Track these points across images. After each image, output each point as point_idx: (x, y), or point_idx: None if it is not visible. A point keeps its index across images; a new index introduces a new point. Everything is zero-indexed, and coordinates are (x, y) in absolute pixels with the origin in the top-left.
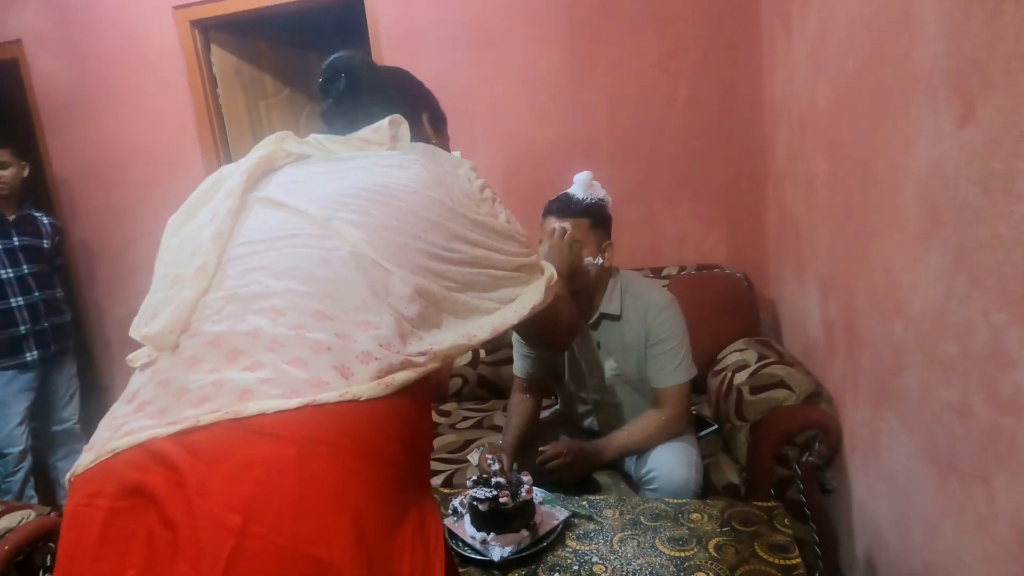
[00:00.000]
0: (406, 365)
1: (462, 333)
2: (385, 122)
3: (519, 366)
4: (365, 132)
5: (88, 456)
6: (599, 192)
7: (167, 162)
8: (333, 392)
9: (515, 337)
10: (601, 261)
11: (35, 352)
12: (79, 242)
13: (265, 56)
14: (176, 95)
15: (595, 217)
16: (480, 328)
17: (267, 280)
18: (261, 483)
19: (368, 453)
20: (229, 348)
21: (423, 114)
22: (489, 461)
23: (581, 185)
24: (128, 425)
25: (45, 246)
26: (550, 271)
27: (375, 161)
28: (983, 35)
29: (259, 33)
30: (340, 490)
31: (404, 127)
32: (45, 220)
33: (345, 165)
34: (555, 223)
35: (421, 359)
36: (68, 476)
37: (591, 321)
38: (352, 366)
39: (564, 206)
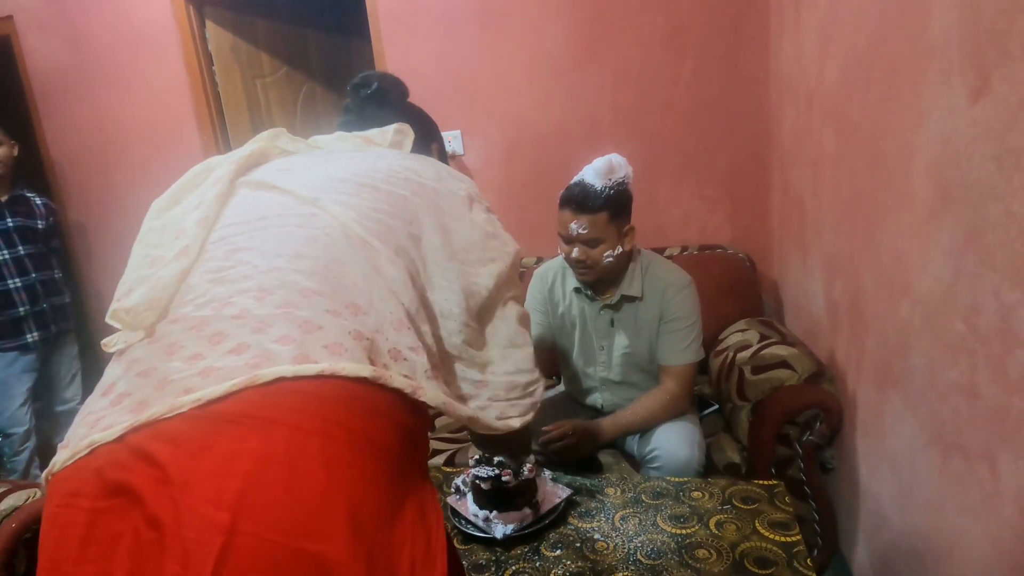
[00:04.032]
0: (396, 356)
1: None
2: (391, 127)
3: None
4: (370, 132)
5: (64, 453)
6: (619, 173)
7: (164, 141)
8: (320, 364)
9: (528, 304)
10: (620, 251)
11: (35, 333)
12: (76, 223)
13: (262, 33)
14: (172, 73)
15: (614, 208)
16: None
17: (254, 260)
18: (249, 477)
19: (361, 441)
20: (212, 331)
21: (433, 144)
22: None
23: (599, 173)
24: (105, 419)
25: (39, 227)
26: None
27: (368, 154)
28: (1002, 3)
29: (255, 10)
30: (333, 481)
31: (409, 138)
32: (38, 201)
33: (337, 156)
34: (571, 218)
35: (410, 353)
36: (44, 474)
37: (612, 302)
38: (345, 342)
39: (581, 202)
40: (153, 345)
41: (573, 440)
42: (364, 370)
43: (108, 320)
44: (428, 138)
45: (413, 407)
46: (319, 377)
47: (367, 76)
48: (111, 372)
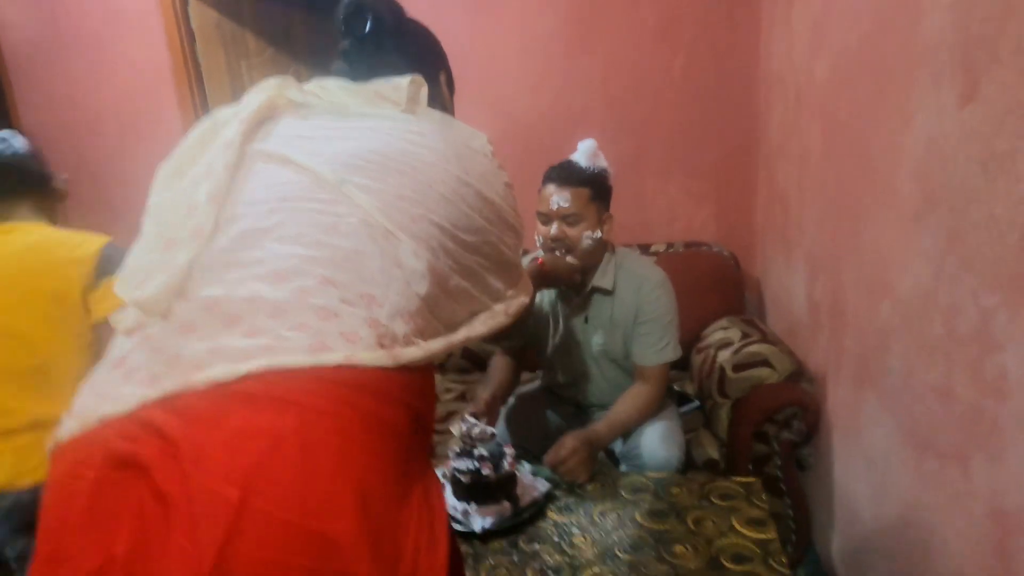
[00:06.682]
0: (408, 342)
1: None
2: (405, 80)
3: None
4: (382, 86)
5: (72, 423)
6: (602, 162)
7: (143, 120)
8: (337, 354)
9: None
10: (600, 235)
11: None
12: None
13: (247, 12)
14: (152, 50)
15: (596, 188)
16: (467, 330)
17: (270, 244)
18: (260, 455)
19: (372, 423)
20: (226, 313)
21: (441, 73)
22: (472, 423)
23: (585, 153)
24: (116, 392)
25: None
26: (522, 298)
27: (391, 126)
28: (994, 9)
29: None
30: (343, 462)
31: (424, 90)
32: None
33: (356, 124)
34: (554, 191)
35: (421, 341)
36: (50, 444)
37: (583, 294)
38: (360, 331)
39: (565, 175)
40: (168, 323)
41: (584, 454)
42: (381, 359)
43: (121, 295)
44: (434, 69)
45: (422, 391)
46: (337, 366)
47: (356, 3)
48: (122, 345)
